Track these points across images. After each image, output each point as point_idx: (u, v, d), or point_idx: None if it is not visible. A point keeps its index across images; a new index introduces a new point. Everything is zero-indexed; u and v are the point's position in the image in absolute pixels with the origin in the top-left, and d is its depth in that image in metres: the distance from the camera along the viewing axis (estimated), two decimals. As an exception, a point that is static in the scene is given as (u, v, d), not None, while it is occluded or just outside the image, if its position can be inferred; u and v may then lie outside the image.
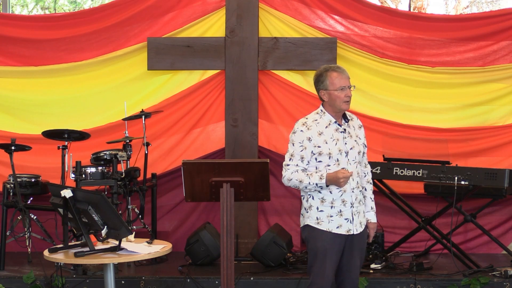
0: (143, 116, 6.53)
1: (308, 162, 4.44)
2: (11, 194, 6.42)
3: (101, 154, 6.37)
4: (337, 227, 4.43)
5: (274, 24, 6.96)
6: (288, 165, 4.47)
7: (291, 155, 4.46)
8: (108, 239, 4.25)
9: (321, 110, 4.50)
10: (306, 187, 4.42)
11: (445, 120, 6.91)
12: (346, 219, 4.44)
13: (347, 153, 4.45)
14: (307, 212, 4.49)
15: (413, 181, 6.33)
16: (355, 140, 4.51)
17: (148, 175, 6.65)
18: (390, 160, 6.40)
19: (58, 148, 6.30)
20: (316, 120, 4.46)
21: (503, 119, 6.88)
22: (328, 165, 4.41)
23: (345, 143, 4.46)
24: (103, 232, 4.14)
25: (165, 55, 6.88)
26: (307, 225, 4.49)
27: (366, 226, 4.59)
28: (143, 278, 5.91)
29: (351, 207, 4.45)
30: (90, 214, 4.12)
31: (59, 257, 4.24)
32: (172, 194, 7.10)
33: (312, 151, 4.42)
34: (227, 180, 4.30)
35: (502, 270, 5.91)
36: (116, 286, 4.37)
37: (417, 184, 6.47)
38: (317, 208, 4.45)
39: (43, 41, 7.01)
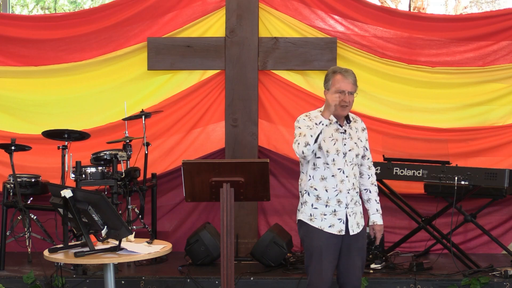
0: (143, 116, 6.53)
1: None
2: (11, 194, 6.42)
3: (101, 154, 6.37)
4: (329, 226, 4.46)
5: (274, 24, 6.97)
6: (296, 140, 4.41)
7: (299, 134, 4.39)
8: (108, 239, 4.25)
9: (321, 109, 4.50)
10: (312, 138, 4.31)
11: (445, 120, 6.92)
12: (339, 219, 4.47)
13: (345, 154, 4.48)
14: (302, 207, 4.54)
15: (413, 181, 6.33)
16: (355, 142, 4.54)
17: (148, 175, 6.65)
18: (390, 160, 6.40)
19: (58, 148, 6.30)
20: (317, 117, 4.46)
21: (503, 119, 6.88)
22: (325, 163, 4.46)
23: (344, 144, 4.49)
24: (103, 232, 4.14)
25: (165, 55, 6.88)
26: (300, 221, 4.54)
27: (372, 228, 4.61)
28: (143, 278, 5.91)
29: (345, 207, 4.47)
30: (90, 214, 4.12)
31: (59, 257, 4.24)
32: (172, 194, 7.10)
33: None
34: (227, 180, 4.30)
35: (502, 270, 5.91)
36: (116, 286, 4.37)
37: (417, 184, 6.47)
38: (312, 205, 4.49)
39: (43, 41, 7.01)
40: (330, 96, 4.38)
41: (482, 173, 6.00)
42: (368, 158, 4.64)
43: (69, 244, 4.43)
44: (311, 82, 6.98)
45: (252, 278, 5.93)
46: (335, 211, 4.46)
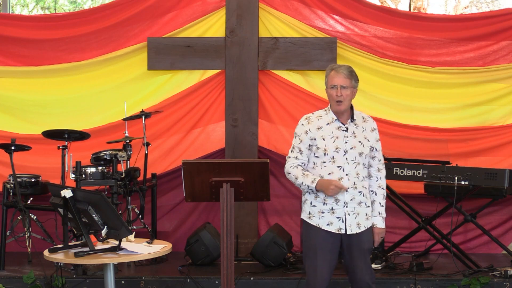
0: (143, 116, 6.53)
1: (307, 156, 4.50)
2: (11, 194, 6.42)
3: (101, 154, 6.37)
4: (328, 224, 4.47)
5: (274, 24, 6.97)
6: (289, 157, 4.56)
7: (293, 147, 4.56)
8: (108, 239, 4.25)
9: (328, 108, 4.56)
10: (300, 185, 4.49)
11: (445, 120, 6.91)
12: (338, 217, 4.47)
13: (346, 151, 4.46)
14: (303, 205, 4.56)
15: (413, 181, 6.33)
16: (360, 141, 4.50)
17: (148, 175, 6.65)
18: (390, 160, 6.40)
19: (58, 148, 6.30)
20: (321, 116, 4.53)
21: (503, 119, 6.88)
22: (324, 162, 4.46)
23: (346, 142, 4.47)
24: (103, 232, 4.14)
25: (165, 55, 6.88)
26: (301, 219, 4.58)
27: (372, 230, 4.58)
28: (143, 278, 5.91)
29: (344, 206, 4.46)
30: (90, 214, 4.12)
31: (59, 257, 4.24)
32: (172, 194, 7.10)
33: (309, 144, 4.48)
34: (227, 180, 4.30)
35: (502, 270, 5.91)
36: (116, 286, 4.37)
37: (417, 184, 6.47)
38: (311, 203, 4.51)
39: (43, 41, 7.01)
40: (334, 183, 4.40)
41: (482, 173, 6.00)
42: (380, 160, 4.58)
43: (69, 244, 4.43)
44: (311, 82, 6.98)
45: (252, 278, 5.93)
46: (332, 209, 4.46)
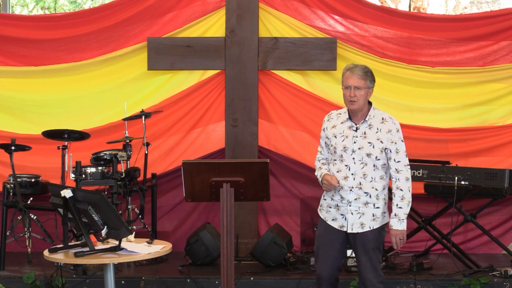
0: (143, 116, 6.53)
1: (328, 152, 4.67)
2: (11, 194, 6.42)
3: (101, 154, 6.37)
4: (332, 220, 4.59)
5: (274, 24, 6.96)
6: (318, 150, 4.78)
7: (320, 144, 4.77)
8: (108, 239, 4.25)
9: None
10: (317, 177, 4.71)
11: (445, 120, 6.91)
12: (342, 214, 4.56)
13: (353, 151, 4.51)
14: (321, 199, 4.73)
15: (413, 181, 6.28)
16: (370, 142, 4.53)
17: (148, 175, 6.65)
18: (390, 160, 6.39)
19: (58, 148, 6.29)
20: (340, 114, 4.67)
21: (503, 119, 6.88)
22: (335, 160, 4.58)
23: (354, 142, 4.53)
24: (103, 232, 4.14)
25: (165, 55, 6.88)
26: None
27: (381, 229, 4.60)
28: (143, 278, 5.91)
29: (348, 204, 4.51)
30: (90, 214, 4.12)
31: (59, 257, 4.24)
32: (172, 194, 7.10)
33: (325, 142, 4.67)
34: (227, 180, 4.30)
35: (502, 270, 5.91)
36: (116, 286, 4.37)
37: (417, 184, 6.46)
38: (323, 196, 4.68)
39: (43, 41, 7.01)
40: (327, 178, 4.55)
41: (482, 173, 6.00)
42: (398, 161, 4.55)
43: (69, 244, 4.43)
44: (311, 82, 6.98)
45: (252, 278, 5.93)
46: (337, 205, 4.56)
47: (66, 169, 6.24)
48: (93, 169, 6.26)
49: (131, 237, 4.44)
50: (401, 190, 4.53)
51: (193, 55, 6.89)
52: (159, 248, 4.36)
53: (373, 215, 4.54)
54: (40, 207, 6.51)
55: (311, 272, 6.04)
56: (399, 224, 4.52)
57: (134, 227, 6.52)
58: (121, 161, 6.40)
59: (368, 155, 4.51)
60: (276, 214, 7.05)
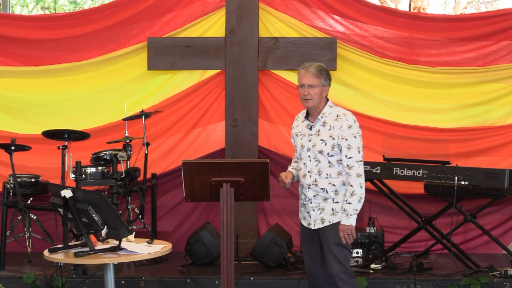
0: (143, 116, 6.53)
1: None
2: (11, 194, 6.42)
3: (101, 154, 6.37)
4: (303, 218, 4.72)
5: (274, 24, 6.96)
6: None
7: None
8: (108, 239, 4.25)
9: None
10: None
11: (445, 120, 6.91)
12: (307, 212, 4.67)
13: (308, 149, 4.63)
14: None
15: (413, 181, 6.33)
16: (322, 139, 4.59)
17: (148, 175, 6.65)
18: (390, 160, 6.40)
19: (58, 148, 6.29)
20: (304, 113, 4.78)
21: (503, 119, 6.87)
22: (298, 158, 4.74)
23: (309, 140, 4.63)
24: (103, 232, 4.14)
25: (165, 55, 6.88)
26: None
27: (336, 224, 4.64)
28: (143, 278, 5.91)
29: (309, 202, 4.62)
30: (90, 214, 4.12)
31: (59, 257, 4.24)
32: (172, 194, 7.10)
33: (294, 143, 4.82)
34: (227, 180, 4.30)
35: (502, 270, 5.91)
36: (116, 286, 4.37)
37: (417, 184, 6.47)
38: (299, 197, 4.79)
39: (43, 41, 7.01)
40: (281, 175, 4.72)
41: (482, 173, 6.00)
42: (349, 157, 4.55)
43: (69, 244, 4.43)
44: (311, 82, 6.97)
45: (252, 278, 5.93)
46: (304, 204, 4.70)
47: (66, 169, 6.24)
48: (93, 169, 6.26)
49: (131, 237, 4.44)
50: (351, 186, 4.55)
51: (193, 55, 6.89)
52: (159, 248, 4.36)
53: (333, 209, 4.60)
54: (40, 207, 6.51)
55: (311, 272, 6.04)
56: (346, 219, 4.54)
57: (134, 227, 6.52)
58: (121, 161, 6.40)
59: (320, 152, 4.58)
60: (276, 214, 7.05)
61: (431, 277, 5.90)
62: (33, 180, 6.59)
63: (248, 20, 6.85)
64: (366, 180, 6.35)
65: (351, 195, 4.54)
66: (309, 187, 4.60)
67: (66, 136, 6.28)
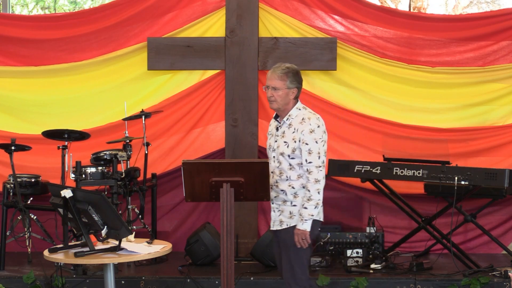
0: (143, 116, 6.53)
1: None
2: (11, 194, 6.42)
3: (101, 154, 6.37)
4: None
5: (274, 24, 6.96)
6: None
7: None
8: (108, 239, 4.26)
9: None
10: None
11: (445, 120, 6.91)
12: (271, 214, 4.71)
13: (273, 150, 4.65)
14: None
15: (413, 181, 6.32)
16: (285, 142, 4.59)
17: (148, 175, 6.65)
18: (390, 160, 6.40)
19: (58, 148, 6.29)
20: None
21: (503, 119, 6.87)
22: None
23: (275, 141, 4.65)
24: (103, 232, 4.14)
25: (165, 55, 6.88)
26: None
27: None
28: (143, 278, 5.91)
29: (271, 202, 4.65)
30: (90, 214, 4.12)
31: (59, 257, 4.24)
32: (172, 194, 7.10)
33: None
34: (227, 180, 4.30)
35: (502, 270, 5.91)
36: (116, 286, 4.37)
37: (417, 184, 6.47)
38: None
39: (43, 41, 7.01)
40: None
41: (482, 173, 6.00)
42: (310, 162, 4.53)
43: (69, 244, 4.43)
44: (311, 82, 6.98)
45: (252, 278, 5.93)
46: (272, 206, 4.72)
47: (66, 169, 6.24)
48: (93, 169, 6.26)
49: (131, 237, 4.44)
50: (308, 191, 4.53)
51: (193, 55, 6.89)
52: (159, 248, 4.36)
53: (290, 212, 4.59)
54: (40, 207, 6.51)
55: (311, 272, 6.03)
56: (301, 224, 4.53)
57: (134, 227, 6.52)
58: (121, 161, 6.40)
59: (282, 154, 4.58)
60: (276, 214, 7.04)
61: (431, 277, 5.90)
62: (33, 180, 6.59)
63: (248, 20, 6.85)
64: (366, 180, 6.41)
65: (308, 200, 4.52)
66: (271, 188, 4.58)
67: (66, 136, 6.28)
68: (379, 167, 6.37)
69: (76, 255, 4.14)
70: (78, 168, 6.15)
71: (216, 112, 7.00)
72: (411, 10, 11.50)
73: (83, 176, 6.19)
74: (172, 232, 7.07)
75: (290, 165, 4.56)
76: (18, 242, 6.59)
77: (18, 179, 6.41)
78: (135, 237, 4.52)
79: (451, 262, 6.11)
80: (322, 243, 6.61)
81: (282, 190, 4.59)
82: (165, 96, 7.00)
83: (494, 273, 5.95)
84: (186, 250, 6.36)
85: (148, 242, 4.47)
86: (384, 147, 6.74)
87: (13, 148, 6.26)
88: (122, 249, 4.24)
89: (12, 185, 6.39)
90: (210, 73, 6.98)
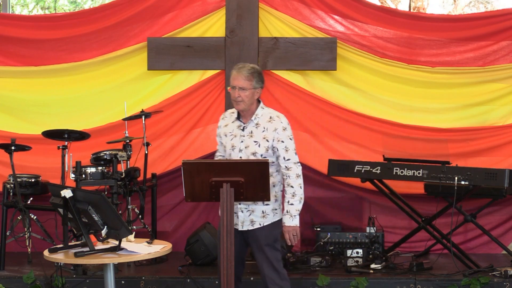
0: (143, 116, 6.53)
1: (224, 150, 4.76)
2: (11, 194, 6.42)
3: (101, 154, 6.37)
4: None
5: (274, 24, 6.97)
6: (217, 149, 4.91)
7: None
8: (108, 239, 4.26)
9: None
10: None
11: (445, 120, 6.91)
12: (235, 213, 4.63)
13: (240, 150, 4.62)
14: None
15: (413, 181, 6.32)
16: (256, 141, 4.61)
17: (148, 175, 6.65)
18: (390, 160, 6.40)
19: (58, 148, 6.29)
20: (233, 113, 4.79)
21: (503, 119, 6.87)
22: (226, 159, 4.68)
23: (241, 141, 4.63)
24: (103, 232, 4.14)
25: (165, 55, 6.88)
26: None
27: (273, 226, 4.65)
28: (143, 278, 5.91)
29: (238, 203, 4.60)
30: (90, 214, 4.12)
31: (59, 257, 4.24)
32: (172, 194, 7.10)
33: (219, 141, 4.82)
34: (227, 180, 4.30)
35: (502, 270, 5.91)
36: (116, 286, 4.37)
37: (417, 184, 6.47)
38: None
39: (43, 41, 7.01)
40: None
41: (482, 173, 6.00)
42: (288, 159, 4.60)
43: (69, 244, 4.43)
44: (311, 82, 6.98)
45: (252, 278, 5.92)
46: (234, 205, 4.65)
47: (66, 169, 6.24)
48: (93, 169, 6.26)
49: (131, 237, 4.44)
50: (291, 187, 4.60)
51: (193, 55, 6.89)
52: (159, 248, 4.36)
53: (263, 212, 4.62)
54: (40, 207, 6.51)
55: (311, 272, 6.05)
56: (290, 220, 4.59)
57: (134, 227, 6.52)
58: (121, 161, 6.40)
59: (254, 153, 4.59)
60: (276, 214, 7.04)
61: (431, 277, 5.90)
62: (33, 180, 6.59)
63: (248, 20, 6.86)
64: (366, 180, 6.41)
65: (293, 196, 4.59)
66: None
67: (66, 136, 6.28)
68: (379, 167, 6.37)
69: (76, 255, 4.14)
70: (78, 168, 6.15)
71: (216, 112, 6.99)
72: (411, 10, 11.52)
73: (83, 176, 6.19)
74: (172, 232, 7.07)
75: None
76: (18, 242, 6.59)
77: (18, 179, 6.41)
78: (135, 237, 4.52)
79: (451, 262, 6.11)
80: (322, 243, 6.61)
81: None
82: (165, 96, 7.00)
83: (494, 273, 5.95)
84: (186, 250, 6.36)
85: (148, 242, 4.47)
86: (384, 147, 6.74)
87: (13, 148, 6.26)
88: (122, 249, 4.24)
89: (12, 185, 6.39)
90: (210, 73, 6.98)
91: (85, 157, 6.37)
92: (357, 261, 6.16)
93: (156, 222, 6.72)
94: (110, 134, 6.84)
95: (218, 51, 6.88)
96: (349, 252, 6.14)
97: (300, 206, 4.61)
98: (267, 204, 4.61)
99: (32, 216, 6.51)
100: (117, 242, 4.24)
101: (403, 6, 12.26)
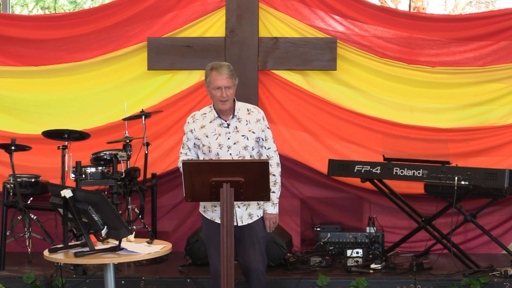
0: (143, 116, 6.53)
1: (196, 153, 4.74)
2: (11, 194, 6.42)
3: (101, 154, 6.37)
4: (219, 217, 4.49)
5: (274, 24, 6.97)
6: (181, 153, 4.85)
7: (183, 144, 4.85)
8: (108, 239, 4.25)
9: (212, 105, 4.75)
10: None
11: (445, 120, 6.91)
12: None
13: (229, 147, 4.64)
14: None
15: (413, 181, 6.32)
16: (243, 135, 4.66)
17: (148, 175, 6.65)
18: (390, 160, 6.40)
19: (58, 148, 6.30)
20: (205, 113, 4.76)
21: (503, 119, 6.87)
22: (211, 159, 4.64)
23: (228, 138, 4.65)
24: (103, 232, 4.14)
25: (165, 55, 6.88)
26: (200, 212, 4.79)
27: (263, 215, 4.73)
28: (143, 278, 5.91)
29: None
30: (90, 214, 4.12)
31: (59, 257, 4.24)
32: (172, 194, 7.10)
33: (194, 143, 4.76)
34: (227, 180, 4.29)
35: (502, 270, 5.90)
36: (116, 286, 4.37)
37: (417, 184, 6.47)
38: None
39: (43, 41, 7.01)
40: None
41: (482, 173, 6.00)
42: (269, 148, 4.74)
43: (69, 244, 4.43)
44: (311, 82, 6.98)
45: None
46: None
47: (66, 169, 6.24)
48: (93, 169, 6.26)
49: (131, 237, 4.44)
50: (273, 175, 4.69)
51: (193, 55, 6.89)
52: (159, 248, 4.36)
53: (258, 203, 4.71)
54: (40, 207, 6.51)
55: (311, 272, 6.05)
56: (272, 208, 4.74)
57: (134, 227, 6.52)
58: (121, 161, 6.40)
59: (245, 147, 4.65)
60: (276, 214, 7.04)
61: (431, 277, 5.90)
62: (33, 180, 6.59)
63: (248, 20, 6.86)
64: (366, 180, 6.41)
65: (274, 184, 4.69)
66: None
67: (66, 136, 6.28)
68: (379, 167, 6.37)
69: (76, 255, 4.14)
70: (78, 168, 6.15)
71: (216, 112, 6.99)
72: (411, 10, 11.53)
73: (83, 176, 6.19)
74: (172, 232, 7.07)
75: (251, 157, 4.66)
76: (18, 242, 6.59)
77: (18, 179, 6.41)
78: (135, 237, 4.51)
79: (451, 262, 6.11)
80: (322, 243, 6.61)
81: None
82: (165, 96, 7.00)
83: (494, 273, 5.95)
84: (186, 250, 6.36)
85: (148, 242, 4.47)
86: (384, 147, 6.74)
87: (13, 148, 6.26)
88: (122, 249, 4.24)
89: (12, 185, 6.39)
90: (210, 73, 6.97)
91: (85, 157, 6.37)
92: (357, 261, 6.16)
93: (156, 222, 6.72)
94: (110, 134, 6.84)
95: (218, 51, 6.88)
96: (349, 252, 6.14)
97: (279, 194, 4.76)
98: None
99: (32, 216, 6.51)
100: (117, 242, 4.24)
101: (403, 6, 12.27)
